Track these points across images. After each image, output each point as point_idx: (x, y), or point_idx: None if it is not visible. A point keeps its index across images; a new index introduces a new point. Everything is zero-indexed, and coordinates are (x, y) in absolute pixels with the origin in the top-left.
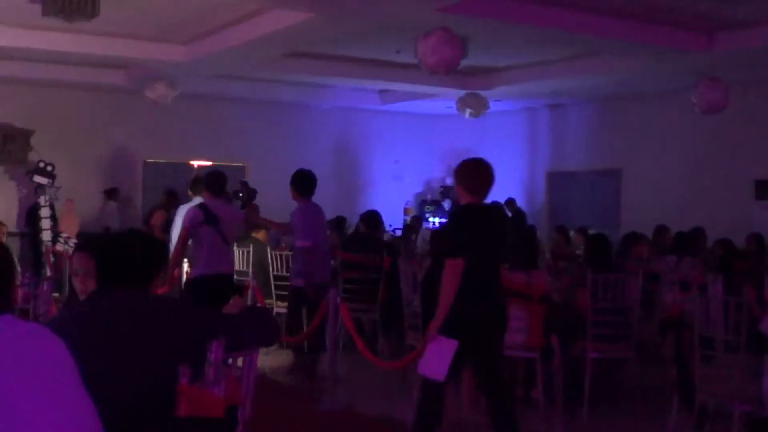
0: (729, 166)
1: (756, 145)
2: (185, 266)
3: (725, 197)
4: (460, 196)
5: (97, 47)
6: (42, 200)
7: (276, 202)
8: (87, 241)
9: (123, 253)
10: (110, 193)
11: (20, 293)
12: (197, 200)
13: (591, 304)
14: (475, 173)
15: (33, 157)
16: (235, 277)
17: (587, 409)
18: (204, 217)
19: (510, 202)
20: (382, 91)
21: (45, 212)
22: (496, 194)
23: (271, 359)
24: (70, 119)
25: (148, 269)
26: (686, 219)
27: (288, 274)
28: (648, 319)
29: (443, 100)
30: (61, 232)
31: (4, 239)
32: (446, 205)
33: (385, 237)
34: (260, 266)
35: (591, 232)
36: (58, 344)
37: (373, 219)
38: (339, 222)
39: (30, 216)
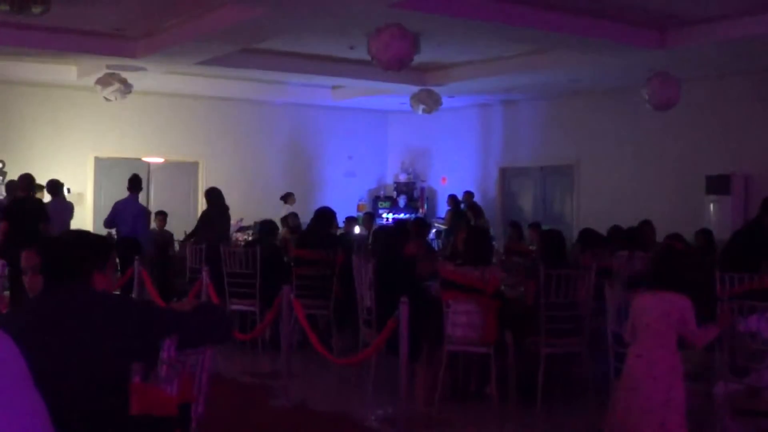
0: (680, 161)
1: (707, 141)
2: None
3: (677, 192)
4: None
5: (48, 42)
6: None
7: (230, 197)
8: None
9: (64, 250)
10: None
11: None
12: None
13: (543, 299)
14: (21, 181)
15: None
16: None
17: (540, 403)
18: None
19: (467, 195)
20: (335, 87)
21: None
22: (452, 188)
23: (223, 356)
24: (21, 115)
25: (85, 265)
26: (638, 214)
27: (244, 271)
28: (600, 314)
29: (396, 96)
30: None
31: None
32: (401, 201)
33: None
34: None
35: (544, 227)
36: (7, 342)
37: (325, 215)
38: (291, 218)
39: None
